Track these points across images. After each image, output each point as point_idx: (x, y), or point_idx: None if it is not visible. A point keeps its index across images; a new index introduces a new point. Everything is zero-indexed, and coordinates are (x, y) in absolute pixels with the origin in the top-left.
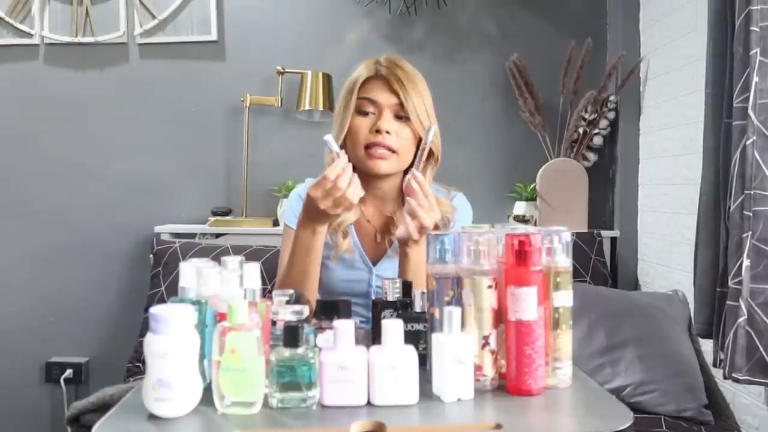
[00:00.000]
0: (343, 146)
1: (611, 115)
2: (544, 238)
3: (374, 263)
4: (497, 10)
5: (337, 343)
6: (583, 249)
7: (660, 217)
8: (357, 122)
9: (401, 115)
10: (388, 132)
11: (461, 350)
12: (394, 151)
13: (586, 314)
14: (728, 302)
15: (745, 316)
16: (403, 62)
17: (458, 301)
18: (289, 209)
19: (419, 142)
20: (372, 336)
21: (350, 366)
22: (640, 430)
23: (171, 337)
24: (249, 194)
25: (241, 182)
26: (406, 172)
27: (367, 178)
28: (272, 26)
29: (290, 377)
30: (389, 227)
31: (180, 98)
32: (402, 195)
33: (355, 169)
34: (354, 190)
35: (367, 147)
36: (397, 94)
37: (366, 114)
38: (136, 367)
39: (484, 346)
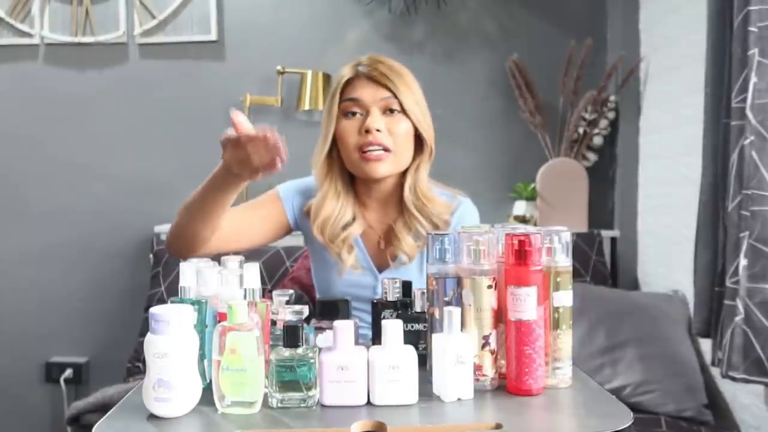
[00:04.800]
0: (330, 153)
1: (611, 115)
2: (544, 238)
3: (380, 270)
4: (497, 10)
5: (337, 343)
6: (583, 249)
7: (660, 217)
8: (343, 125)
9: (391, 109)
10: (378, 130)
11: (461, 350)
12: (388, 150)
13: (586, 314)
14: (726, 301)
15: (743, 316)
16: (384, 57)
17: (458, 301)
18: (289, 183)
19: (416, 135)
20: (372, 336)
21: (350, 366)
22: (640, 430)
23: (171, 337)
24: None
25: None
26: (404, 173)
27: (366, 183)
28: (272, 26)
29: (290, 377)
30: (391, 236)
31: (180, 98)
32: (402, 201)
33: (353, 178)
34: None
35: (361, 150)
36: (382, 88)
37: (353, 114)
38: (136, 367)
39: (484, 346)
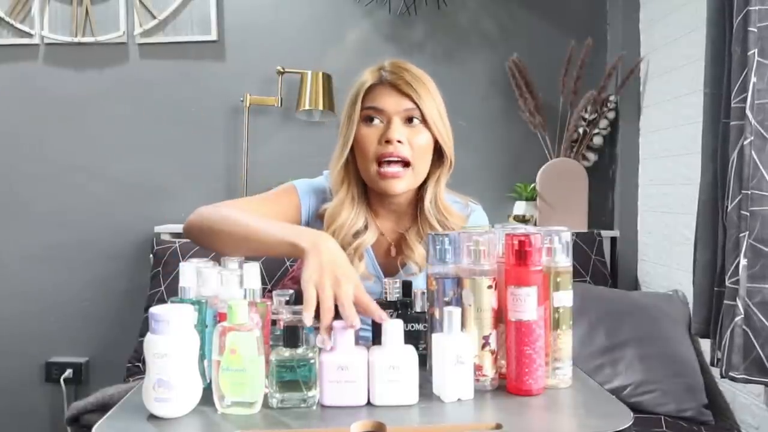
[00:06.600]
0: (348, 160)
1: (611, 115)
2: (544, 238)
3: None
4: (497, 10)
5: (337, 344)
6: (583, 249)
7: (660, 217)
8: (363, 132)
9: (412, 119)
10: (399, 141)
11: (461, 350)
12: (408, 164)
13: (586, 314)
14: (725, 301)
15: (742, 315)
16: (408, 64)
17: (458, 301)
18: (305, 181)
19: (436, 145)
20: (372, 336)
21: (350, 366)
22: (640, 430)
23: (171, 337)
24: (249, 194)
25: (241, 182)
26: (422, 185)
27: (381, 194)
28: (272, 26)
29: (290, 377)
30: (402, 245)
31: (180, 98)
32: (416, 209)
33: (366, 188)
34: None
35: (379, 163)
36: (406, 98)
37: (372, 120)
38: (136, 367)
39: (484, 346)
